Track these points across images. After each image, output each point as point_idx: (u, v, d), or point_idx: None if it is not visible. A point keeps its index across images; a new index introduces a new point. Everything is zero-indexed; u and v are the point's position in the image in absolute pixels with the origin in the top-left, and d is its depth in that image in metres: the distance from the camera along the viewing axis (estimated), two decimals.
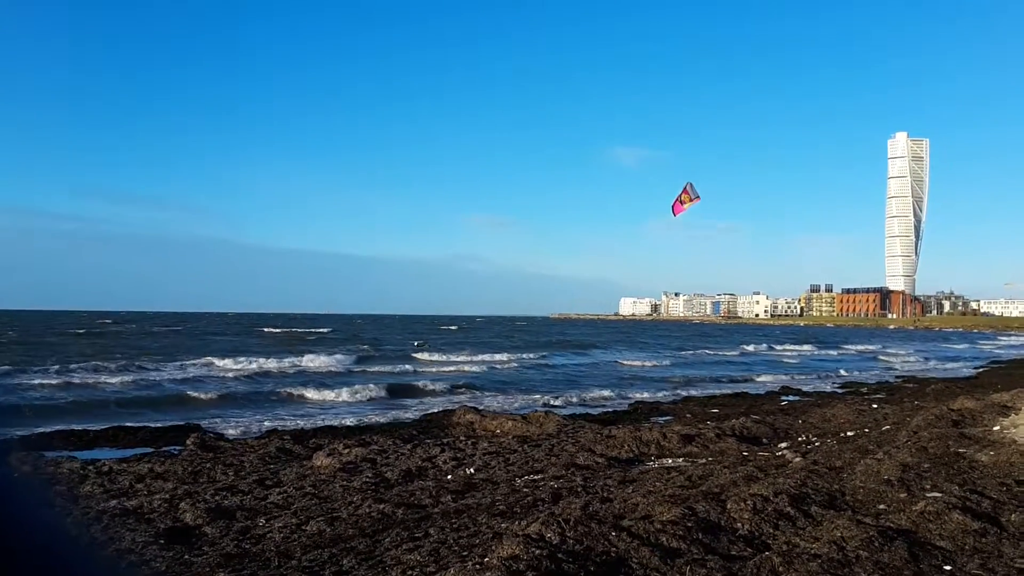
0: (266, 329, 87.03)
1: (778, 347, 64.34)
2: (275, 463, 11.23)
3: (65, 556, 0.76)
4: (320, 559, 6.21)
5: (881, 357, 52.29)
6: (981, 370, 39.21)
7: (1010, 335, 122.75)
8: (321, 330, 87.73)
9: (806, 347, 66.97)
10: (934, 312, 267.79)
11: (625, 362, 41.92)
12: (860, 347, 67.67)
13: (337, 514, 7.77)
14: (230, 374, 29.51)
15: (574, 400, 23.01)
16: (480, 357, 42.30)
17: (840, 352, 60.61)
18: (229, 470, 10.66)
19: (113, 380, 25.59)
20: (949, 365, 45.13)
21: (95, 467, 10.64)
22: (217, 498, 8.65)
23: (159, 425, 15.96)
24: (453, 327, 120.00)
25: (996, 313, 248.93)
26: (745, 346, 63.47)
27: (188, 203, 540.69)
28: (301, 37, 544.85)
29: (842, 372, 36.84)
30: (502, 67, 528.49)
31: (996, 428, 10.78)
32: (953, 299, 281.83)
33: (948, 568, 5.15)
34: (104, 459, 11.53)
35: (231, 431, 15.77)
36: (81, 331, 72.03)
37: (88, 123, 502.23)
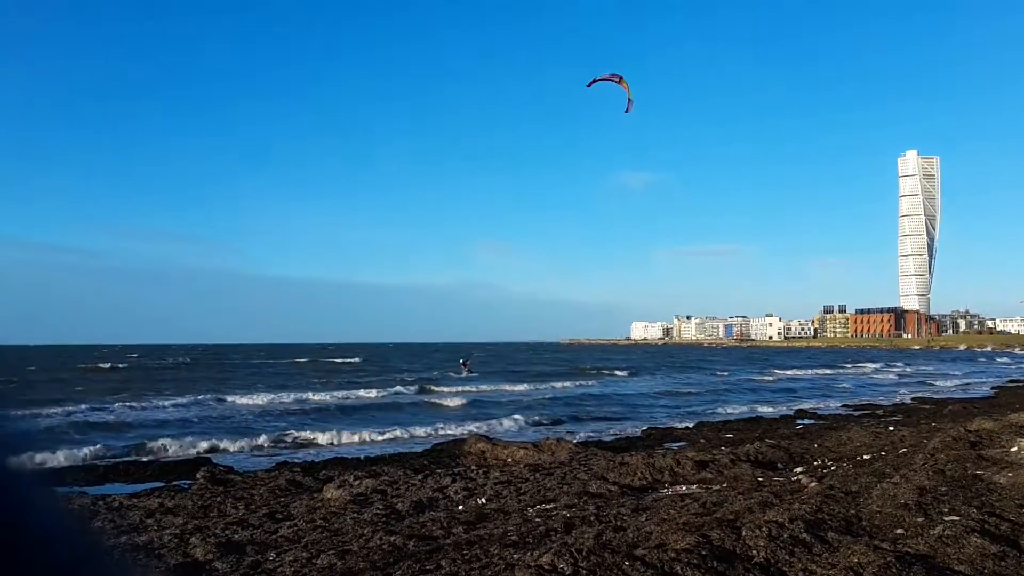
0: (298, 360, 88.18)
1: (829, 370, 63.81)
2: (285, 496, 11.19)
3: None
4: None
5: (933, 382, 49.63)
6: (998, 390, 38.72)
7: None
8: (353, 360, 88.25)
9: (868, 367, 66.92)
10: (950, 331, 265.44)
11: (683, 390, 40.52)
12: (910, 368, 67.28)
13: (348, 547, 7.70)
14: (301, 405, 29.83)
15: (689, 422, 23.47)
16: (534, 385, 42.95)
17: (898, 373, 59.73)
18: (239, 504, 10.63)
19: (172, 413, 25.98)
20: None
21: (105, 502, 10.66)
22: (227, 532, 8.61)
23: (169, 460, 15.93)
24: (481, 353, 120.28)
25: (1012, 331, 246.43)
26: (779, 370, 62.30)
27: (201, 235, 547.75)
28: (316, 69, 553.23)
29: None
30: (509, 96, 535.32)
31: (1014, 449, 10.60)
32: (969, 317, 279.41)
33: None
34: (115, 494, 11.54)
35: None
36: (106, 366, 71.93)
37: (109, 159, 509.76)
